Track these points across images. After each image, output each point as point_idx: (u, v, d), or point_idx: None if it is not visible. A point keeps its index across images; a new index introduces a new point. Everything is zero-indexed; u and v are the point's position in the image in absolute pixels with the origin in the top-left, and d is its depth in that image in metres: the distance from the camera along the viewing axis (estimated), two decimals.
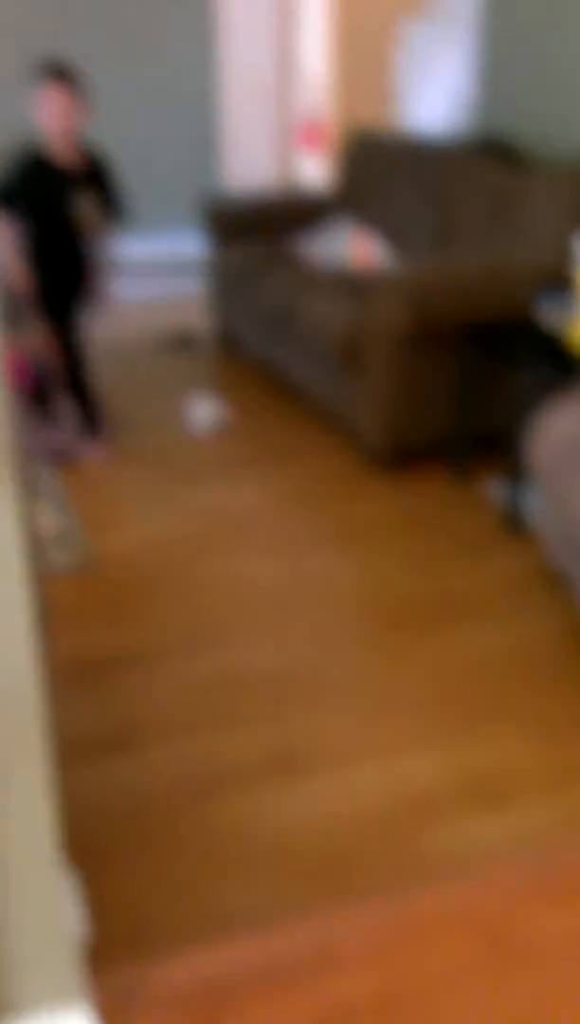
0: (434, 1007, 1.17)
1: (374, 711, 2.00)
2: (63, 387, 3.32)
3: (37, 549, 2.38)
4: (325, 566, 2.58)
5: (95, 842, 1.64)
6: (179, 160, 6.19)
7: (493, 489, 2.91)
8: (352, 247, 3.95)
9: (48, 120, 2.99)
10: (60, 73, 2.99)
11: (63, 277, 3.22)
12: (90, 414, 3.33)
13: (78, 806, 1.61)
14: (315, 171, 7.09)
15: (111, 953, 1.36)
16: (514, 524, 2.67)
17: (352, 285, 3.51)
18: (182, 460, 3.30)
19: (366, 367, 3.02)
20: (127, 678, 2.12)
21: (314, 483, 3.08)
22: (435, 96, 5.11)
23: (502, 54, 4.14)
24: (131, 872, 1.61)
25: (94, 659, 2.19)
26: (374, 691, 2.07)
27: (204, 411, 3.57)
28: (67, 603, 2.39)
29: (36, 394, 3.37)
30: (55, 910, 1.22)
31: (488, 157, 3.67)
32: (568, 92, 3.60)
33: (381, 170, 4.21)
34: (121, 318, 5.05)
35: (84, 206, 3.12)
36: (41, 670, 1.20)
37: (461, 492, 2.95)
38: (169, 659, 2.20)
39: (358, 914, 1.31)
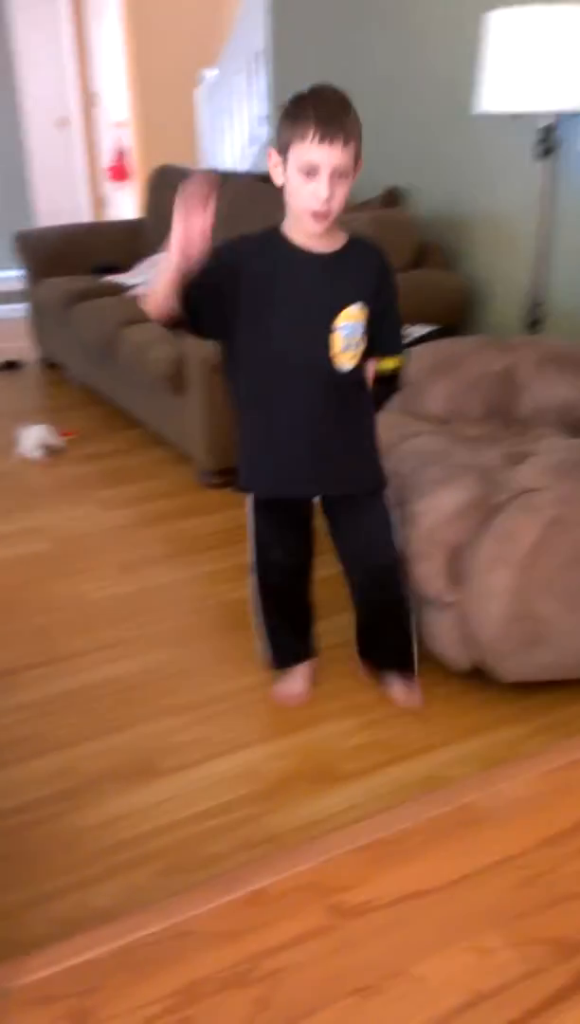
0: (283, 973, 1.24)
1: (224, 711, 2.04)
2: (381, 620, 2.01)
3: None
4: (164, 579, 2.62)
5: None
6: None
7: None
8: None
9: (313, 203, 1.56)
10: (340, 120, 1.52)
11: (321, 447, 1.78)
12: (408, 649, 2.02)
13: None
14: (126, 204, 7.12)
15: None
16: None
17: None
18: (16, 485, 3.25)
19: (190, 392, 3.08)
20: None
21: (149, 502, 3.11)
22: (235, 137, 5.27)
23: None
24: None
25: None
26: (222, 692, 2.11)
27: (35, 435, 3.52)
28: None
29: None
30: None
31: None
32: None
33: None
34: None
35: (351, 322, 1.69)
36: None
37: None
38: (16, 679, 2.17)
39: (209, 895, 1.37)
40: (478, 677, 2.03)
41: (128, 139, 6.85)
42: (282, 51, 4.33)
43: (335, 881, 1.35)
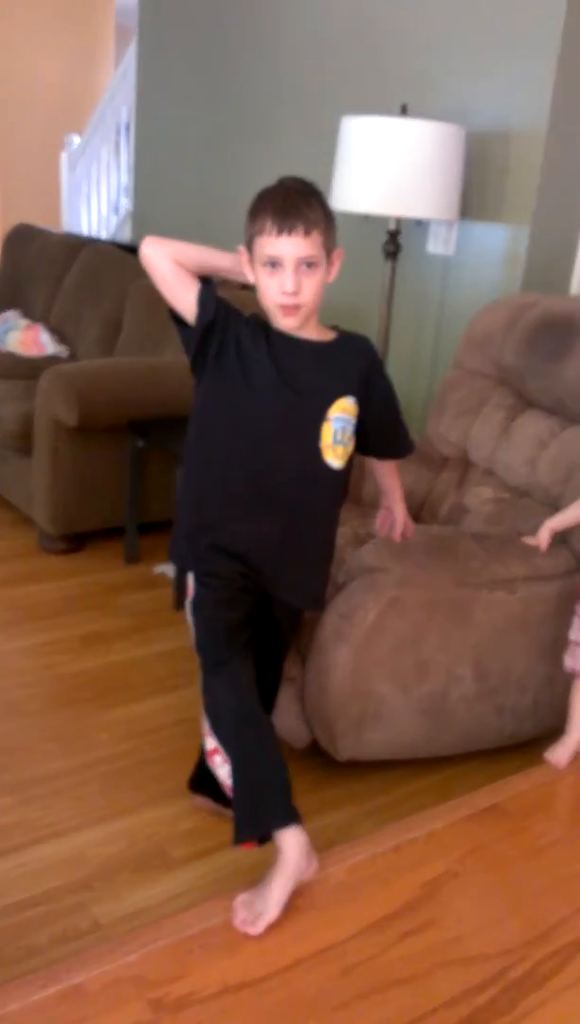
0: None
1: (50, 792, 1.96)
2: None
3: None
4: (1, 648, 2.53)
5: None
6: None
7: (162, 569, 3.03)
8: (21, 337, 3.95)
9: (279, 297, 1.51)
10: (297, 209, 1.47)
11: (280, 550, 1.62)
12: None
13: None
14: None
15: None
16: (179, 601, 2.79)
17: (23, 375, 3.51)
18: None
19: (36, 454, 3.02)
20: None
21: None
22: (98, 205, 5.31)
23: (149, 174, 4.41)
24: None
25: None
26: (49, 771, 2.03)
27: None
28: None
29: None
30: None
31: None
32: (208, 213, 3.91)
33: (45, 265, 4.27)
34: None
35: (345, 415, 1.59)
36: None
37: (132, 573, 3.03)
38: None
39: (23, 991, 1.30)
40: (314, 755, 2.04)
41: None
42: (145, 129, 4.43)
43: (157, 974, 1.31)
